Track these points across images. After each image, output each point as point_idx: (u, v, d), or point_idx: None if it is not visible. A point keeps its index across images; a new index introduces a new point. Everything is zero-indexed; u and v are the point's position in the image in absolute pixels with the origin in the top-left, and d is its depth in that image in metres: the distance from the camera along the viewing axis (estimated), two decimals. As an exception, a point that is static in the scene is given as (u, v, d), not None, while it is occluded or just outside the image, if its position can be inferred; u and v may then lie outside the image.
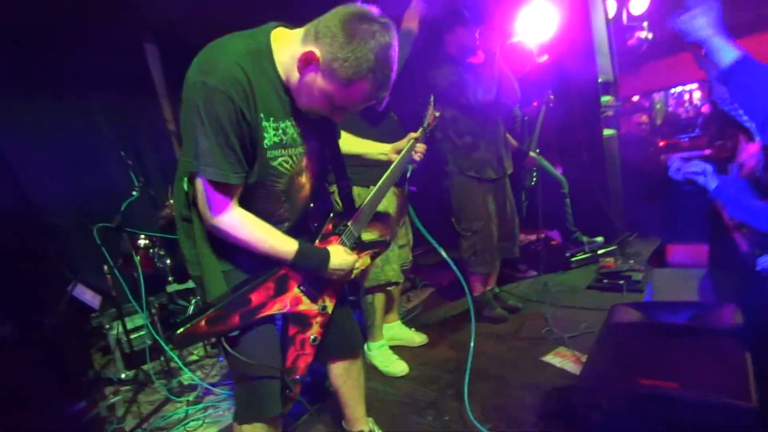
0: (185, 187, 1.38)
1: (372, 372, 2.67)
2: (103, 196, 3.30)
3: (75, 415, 2.59)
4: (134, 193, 2.94)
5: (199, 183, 1.26)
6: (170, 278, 3.21)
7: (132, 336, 3.02)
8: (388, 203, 2.57)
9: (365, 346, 2.78)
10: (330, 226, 1.57)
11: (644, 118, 6.51)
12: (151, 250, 3.17)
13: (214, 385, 2.69)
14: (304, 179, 1.47)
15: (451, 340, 2.99)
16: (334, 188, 1.84)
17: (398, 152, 1.90)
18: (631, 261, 3.85)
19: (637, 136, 6.25)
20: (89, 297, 3.42)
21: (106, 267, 2.88)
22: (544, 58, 4.00)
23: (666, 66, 5.89)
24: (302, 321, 1.50)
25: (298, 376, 1.50)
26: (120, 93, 3.93)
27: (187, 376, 2.78)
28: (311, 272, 1.47)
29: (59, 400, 2.68)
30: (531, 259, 4.08)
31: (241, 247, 1.34)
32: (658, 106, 6.68)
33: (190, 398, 2.59)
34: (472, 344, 2.06)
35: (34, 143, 3.49)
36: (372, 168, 2.10)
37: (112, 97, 3.90)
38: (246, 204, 1.34)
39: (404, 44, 2.33)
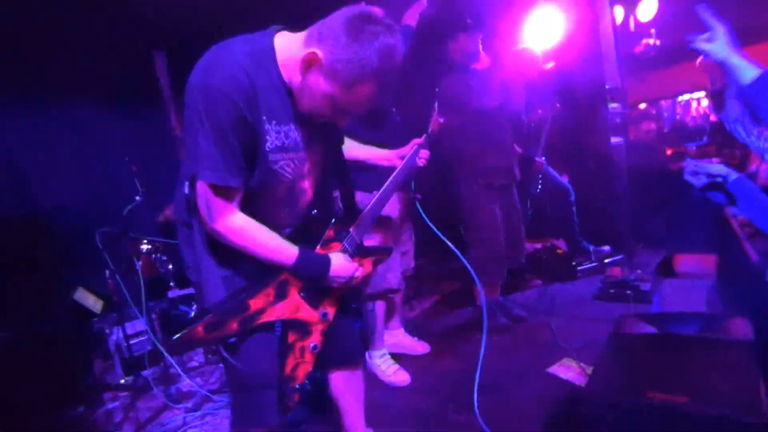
0: (186, 191, 1.36)
1: (373, 381, 2.62)
2: (107, 201, 3.29)
3: (73, 420, 2.58)
4: (137, 198, 2.94)
5: (200, 186, 1.24)
6: (172, 284, 3.20)
7: (132, 341, 3.00)
8: (391, 209, 2.55)
9: (366, 355, 2.74)
10: (332, 232, 1.55)
11: (651, 125, 6.47)
12: (154, 255, 3.16)
13: (213, 392, 2.66)
14: (306, 184, 1.45)
15: (455, 350, 2.94)
16: (336, 194, 1.81)
17: (402, 158, 1.88)
18: (638, 270, 3.80)
19: (644, 143, 6.20)
20: (91, 302, 3.42)
21: (107, 272, 2.87)
22: (551, 64, 3.98)
23: (673, 73, 5.87)
24: (302, 328, 1.47)
25: (296, 385, 1.47)
26: (128, 99, 3.94)
27: (186, 383, 2.76)
28: (312, 279, 1.44)
29: (58, 405, 2.68)
30: (537, 267, 4.04)
31: (242, 253, 1.32)
32: (665, 114, 6.65)
33: (189, 405, 2.56)
34: (483, 347, 1.97)
35: (41, 148, 3.51)
36: (375, 173, 2.08)
37: (119, 103, 3.91)
38: (247, 208, 1.32)
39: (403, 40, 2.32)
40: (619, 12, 4.47)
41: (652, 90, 6.27)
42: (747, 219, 1.84)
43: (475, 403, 1.97)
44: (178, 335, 1.20)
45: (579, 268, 4.00)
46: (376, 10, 1.17)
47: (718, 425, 1.27)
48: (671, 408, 1.34)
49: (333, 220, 1.56)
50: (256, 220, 1.33)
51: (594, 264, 4.01)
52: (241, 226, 1.29)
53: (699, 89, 6.27)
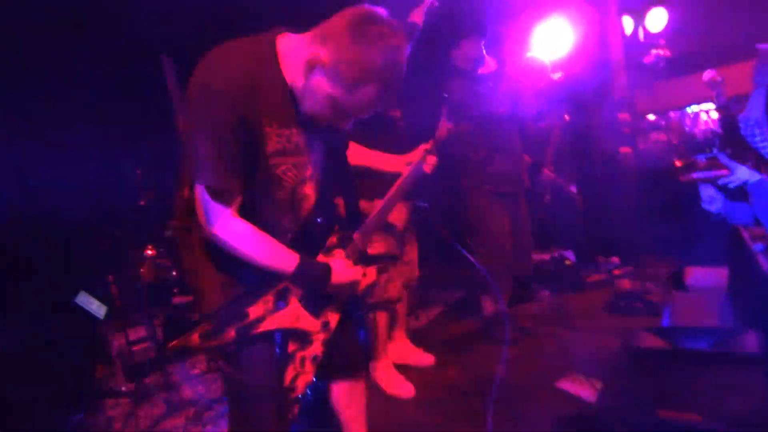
0: (185, 194, 1.34)
1: (376, 393, 2.56)
2: (112, 206, 3.30)
3: (74, 426, 2.56)
4: (141, 203, 2.94)
5: (198, 189, 1.22)
6: (175, 290, 3.18)
7: (134, 347, 2.97)
8: (396, 217, 2.52)
9: (369, 366, 2.69)
10: (334, 239, 1.52)
11: (661, 136, 6.43)
12: (158, 261, 3.15)
13: (215, 400, 2.62)
14: (308, 189, 1.42)
15: (462, 361, 2.88)
16: (340, 200, 1.78)
17: (409, 164, 1.86)
18: (648, 283, 3.74)
19: (653, 154, 6.16)
20: (95, 307, 3.41)
21: (111, 277, 2.86)
22: (559, 74, 3.96)
23: (683, 84, 5.84)
24: (302, 338, 1.44)
25: (296, 396, 1.43)
26: (134, 103, 3.95)
27: (188, 391, 2.72)
28: (313, 287, 1.41)
29: (59, 410, 2.66)
30: (544, 278, 3.98)
31: (241, 259, 1.29)
32: (674, 125, 6.61)
33: (190, 414, 2.52)
34: (503, 359, 1.92)
35: (47, 152, 3.51)
36: (380, 181, 2.05)
37: (126, 107, 3.92)
38: (247, 214, 1.29)
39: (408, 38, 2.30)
40: (628, 23, 4.45)
41: (661, 100, 6.25)
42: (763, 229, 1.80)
43: (489, 422, 1.92)
44: (173, 343, 1.18)
45: (588, 279, 3.94)
46: (381, 11, 1.16)
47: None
48: (684, 427, 1.29)
49: (336, 226, 1.53)
50: (257, 225, 1.30)
51: (603, 275, 3.95)
52: (239, 232, 1.26)
53: (708, 100, 6.23)
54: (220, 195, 1.21)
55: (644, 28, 4.58)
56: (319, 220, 1.51)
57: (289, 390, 1.41)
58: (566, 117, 3.82)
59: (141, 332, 3.15)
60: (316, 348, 1.47)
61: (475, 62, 2.89)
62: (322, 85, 1.17)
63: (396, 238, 2.56)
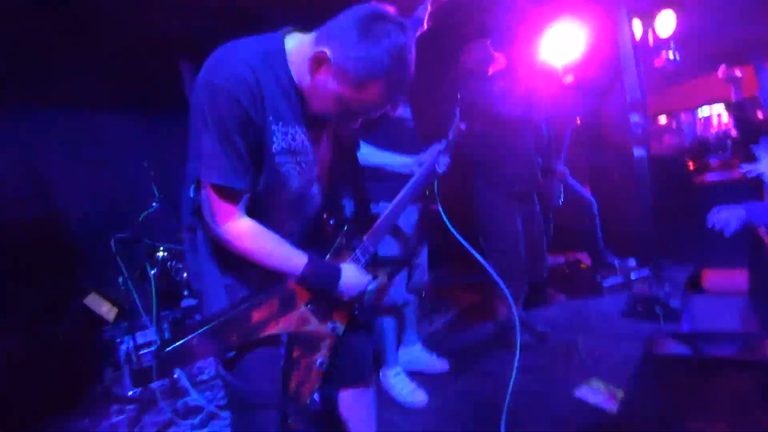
0: (191, 193, 1.30)
1: (387, 402, 2.49)
2: (124, 207, 3.28)
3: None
4: (154, 204, 2.92)
5: (204, 188, 1.20)
6: (186, 292, 3.15)
7: (141, 352, 2.94)
8: (406, 219, 2.46)
9: (380, 373, 2.63)
10: (343, 241, 1.46)
11: (673, 139, 6.36)
12: (169, 263, 3.12)
13: (221, 408, 2.57)
14: (315, 189, 1.38)
15: (477, 368, 2.80)
16: (349, 201, 1.74)
17: (421, 165, 1.81)
18: (667, 286, 3.64)
19: (666, 156, 6.10)
20: (105, 310, 3.39)
21: (121, 279, 2.84)
22: (570, 78, 3.92)
23: (694, 87, 5.82)
24: (309, 343, 1.38)
25: (301, 404, 1.37)
26: (150, 107, 3.95)
27: (194, 397, 2.68)
28: (321, 290, 1.36)
29: (63, 415, 2.64)
30: (560, 282, 3.91)
31: (246, 260, 1.25)
32: (686, 128, 6.53)
33: (195, 422, 2.47)
34: (515, 368, 1.82)
35: (61, 154, 3.51)
36: (392, 181, 2.00)
37: (141, 111, 3.92)
38: (253, 213, 1.25)
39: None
40: (637, 26, 4.39)
41: (672, 103, 6.21)
42: None
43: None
44: (171, 347, 1.13)
45: (604, 283, 3.86)
46: (388, 8, 1.14)
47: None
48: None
49: (345, 227, 1.48)
50: (263, 225, 1.26)
51: (620, 279, 3.87)
52: (246, 231, 1.23)
53: (719, 101, 6.17)
54: (226, 193, 1.18)
55: (654, 33, 4.52)
56: (327, 221, 1.46)
57: (294, 397, 1.36)
58: (578, 120, 3.77)
59: (149, 336, 3.12)
60: (323, 354, 1.41)
61: (484, 62, 2.86)
62: (329, 83, 1.15)
63: (408, 241, 2.51)
